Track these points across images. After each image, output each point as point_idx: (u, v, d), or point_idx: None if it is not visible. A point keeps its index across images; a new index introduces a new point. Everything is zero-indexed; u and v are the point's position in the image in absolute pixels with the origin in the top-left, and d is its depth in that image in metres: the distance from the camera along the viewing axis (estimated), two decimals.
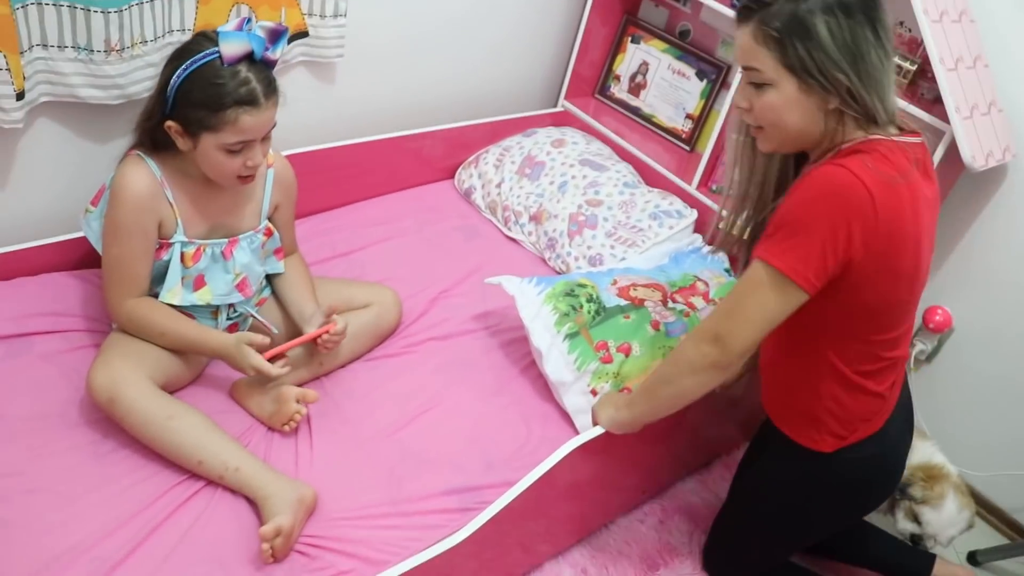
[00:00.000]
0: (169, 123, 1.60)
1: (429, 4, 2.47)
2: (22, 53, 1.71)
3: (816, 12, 1.34)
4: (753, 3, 1.39)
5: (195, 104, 1.57)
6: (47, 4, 1.71)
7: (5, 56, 1.65)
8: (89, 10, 1.74)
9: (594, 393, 1.88)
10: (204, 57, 1.57)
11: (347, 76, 2.38)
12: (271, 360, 1.68)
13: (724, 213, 1.77)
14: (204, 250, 1.75)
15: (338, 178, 2.41)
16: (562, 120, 2.94)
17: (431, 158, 2.66)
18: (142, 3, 1.81)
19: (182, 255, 1.72)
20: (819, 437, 1.66)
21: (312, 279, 1.94)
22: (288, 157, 2.13)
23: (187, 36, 1.92)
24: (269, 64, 1.63)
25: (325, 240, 2.28)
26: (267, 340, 1.68)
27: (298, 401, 1.70)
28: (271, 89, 1.62)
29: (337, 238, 2.31)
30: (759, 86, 1.43)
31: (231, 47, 1.55)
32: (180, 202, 1.70)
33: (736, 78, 2.41)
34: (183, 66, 1.58)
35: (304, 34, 2.18)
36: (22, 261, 1.94)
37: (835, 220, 1.36)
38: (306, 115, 2.35)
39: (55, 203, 2.01)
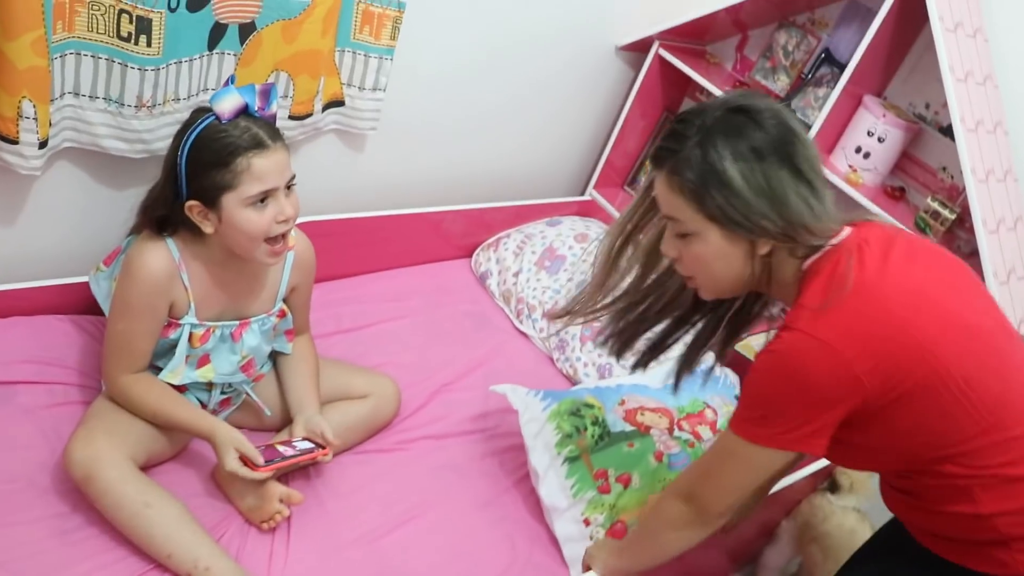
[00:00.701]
0: (190, 203, 1.55)
1: (472, 89, 2.43)
2: (52, 100, 1.66)
3: (726, 158, 1.24)
4: (662, 150, 1.31)
5: (206, 167, 1.52)
6: (86, 55, 1.67)
7: (35, 106, 1.60)
8: (127, 65, 1.69)
9: (587, 523, 1.81)
10: (201, 123, 1.54)
11: (378, 148, 2.34)
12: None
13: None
14: (213, 331, 1.69)
15: (354, 248, 2.36)
16: (588, 210, 2.89)
17: (450, 235, 2.61)
18: (180, 62, 1.77)
19: (190, 335, 1.66)
20: (1012, 558, 1.29)
21: (318, 368, 1.88)
22: (307, 224, 2.10)
23: None
24: (267, 119, 1.60)
25: (331, 312, 2.22)
26: (259, 458, 1.60)
27: (282, 501, 1.62)
28: (276, 133, 1.58)
29: (344, 311, 2.25)
30: (683, 236, 1.32)
31: (224, 103, 1.53)
32: (195, 284, 1.65)
33: None
34: (184, 141, 1.54)
35: (340, 103, 2.14)
36: (21, 300, 1.88)
37: (810, 401, 1.24)
38: (332, 182, 2.31)
39: (61, 245, 1.96)
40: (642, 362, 1.72)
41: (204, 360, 1.70)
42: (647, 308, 1.63)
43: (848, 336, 1.21)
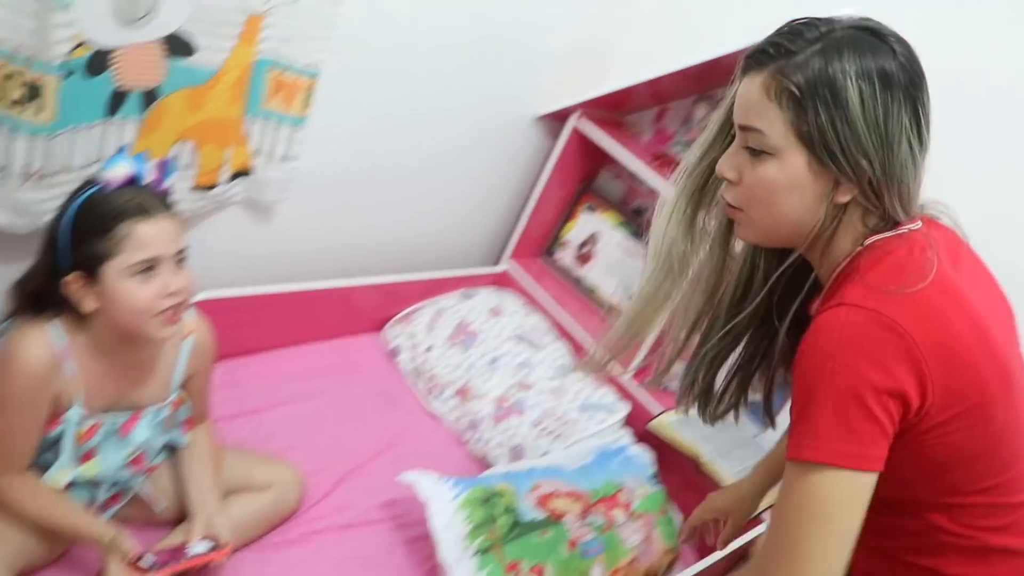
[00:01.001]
0: (68, 277, 1.43)
1: (387, 157, 2.37)
2: None
3: (849, 74, 1.04)
4: (772, 47, 1.09)
5: (87, 235, 1.41)
6: None
7: None
8: (16, 132, 1.58)
9: None
10: (86, 192, 1.44)
11: (287, 219, 2.25)
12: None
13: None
14: (100, 426, 1.56)
15: (260, 323, 2.25)
16: (503, 281, 2.84)
17: (360, 309, 2.52)
18: (76, 129, 1.66)
19: (75, 431, 1.53)
20: None
21: (216, 460, 1.76)
22: (211, 300, 1.99)
23: None
24: (159, 192, 1.50)
25: (234, 393, 2.10)
26: (150, 559, 1.48)
27: None
28: (164, 204, 1.48)
29: (247, 391, 2.14)
30: (757, 153, 1.11)
31: (112, 172, 1.44)
32: (82, 375, 1.51)
33: None
34: (66, 211, 1.44)
35: (248, 173, 2.05)
36: None
37: (862, 373, 1.01)
38: (238, 255, 2.21)
39: None
40: (735, 407, 1.43)
41: (89, 455, 1.56)
42: (729, 321, 1.31)
43: (924, 330, 1.03)
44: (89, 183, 1.46)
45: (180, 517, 1.71)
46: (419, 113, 2.36)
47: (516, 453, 2.22)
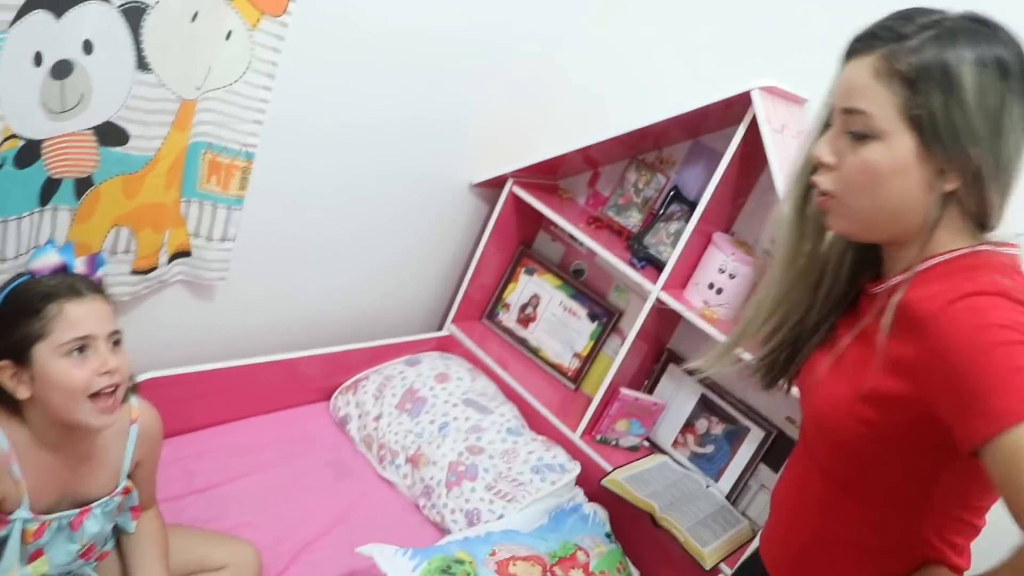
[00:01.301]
0: (0, 364, 1.40)
1: (325, 230, 2.39)
2: None
3: (966, 61, 1.01)
4: (883, 30, 1.07)
5: (16, 319, 1.39)
6: None
7: None
8: None
9: None
10: (15, 281, 1.43)
11: (227, 296, 2.24)
12: None
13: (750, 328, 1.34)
14: (49, 525, 1.51)
15: (205, 399, 2.22)
16: (447, 345, 2.85)
17: (306, 379, 2.51)
18: (7, 220, 1.65)
19: (23, 532, 1.48)
20: None
21: (166, 547, 1.72)
22: (153, 380, 1.97)
23: None
24: (91, 278, 1.50)
25: (183, 470, 2.07)
26: None
27: None
28: (96, 287, 1.48)
29: (196, 469, 2.11)
30: (859, 137, 1.08)
31: (41, 262, 1.44)
32: (28, 473, 1.46)
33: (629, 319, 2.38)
34: None
35: (187, 254, 2.04)
36: None
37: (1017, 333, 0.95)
38: (179, 335, 2.19)
39: None
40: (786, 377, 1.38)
41: (37, 553, 1.52)
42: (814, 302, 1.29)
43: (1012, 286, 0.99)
44: (18, 275, 1.45)
45: None
46: (356, 187, 2.39)
47: (472, 518, 2.21)
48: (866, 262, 1.24)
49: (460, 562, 1.90)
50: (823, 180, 1.14)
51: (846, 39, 1.12)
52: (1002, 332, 0.94)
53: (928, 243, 1.09)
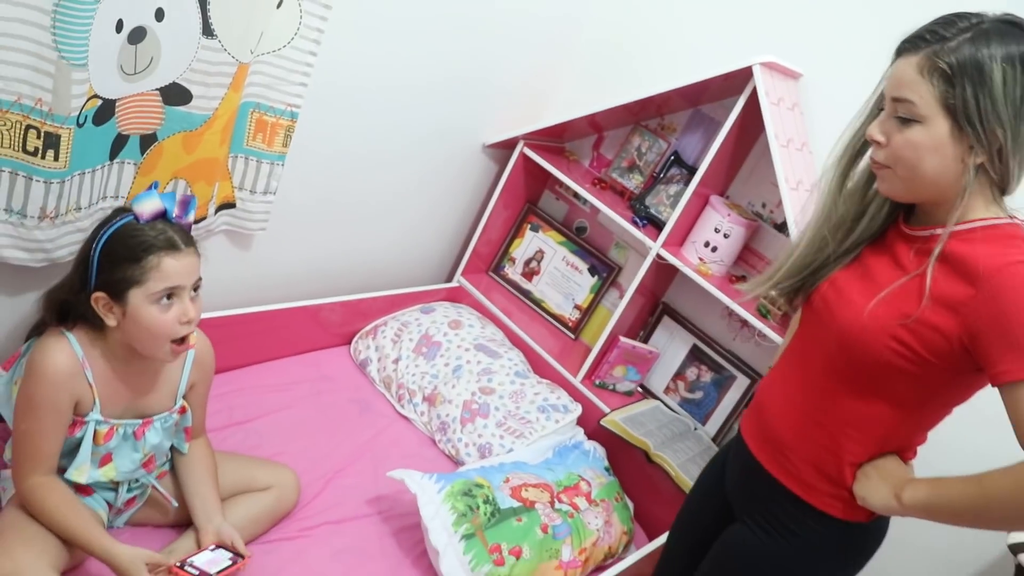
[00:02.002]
0: (97, 295, 1.62)
1: (351, 187, 2.58)
2: None
3: (996, 59, 1.25)
4: (929, 34, 1.31)
5: (118, 262, 1.60)
6: None
7: None
8: (31, 178, 1.74)
9: None
10: (121, 220, 1.63)
11: (264, 245, 2.43)
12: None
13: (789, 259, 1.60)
14: (117, 430, 1.74)
15: (239, 341, 2.42)
16: (456, 295, 3.06)
17: (329, 324, 2.72)
18: (84, 173, 1.83)
19: (95, 433, 1.70)
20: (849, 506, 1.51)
21: (216, 470, 1.93)
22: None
23: (119, 202, 1.95)
24: (183, 226, 1.70)
25: (223, 405, 2.28)
26: (168, 562, 1.65)
27: None
28: (190, 240, 1.68)
29: (235, 404, 2.32)
30: (905, 121, 1.33)
31: (145, 206, 1.63)
32: (99, 381, 1.69)
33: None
34: (102, 233, 1.63)
35: (232, 205, 2.23)
36: None
37: None
38: (219, 279, 2.38)
39: None
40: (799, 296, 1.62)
41: (106, 459, 1.74)
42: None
43: None
44: (122, 211, 1.66)
45: (189, 521, 1.88)
46: (384, 148, 2.58)
47: (484, 451, 2.44)
48: (901, 207, 1.50)
49: (479, 486, 2.12)
50: (877, 154, 1.40)
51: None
52: None
53: (965, 206, 1.33)
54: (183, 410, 1.88)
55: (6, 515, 1.67)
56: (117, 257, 1.60)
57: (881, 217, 1.51)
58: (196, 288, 1.70)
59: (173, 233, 1.64)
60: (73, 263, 1.68)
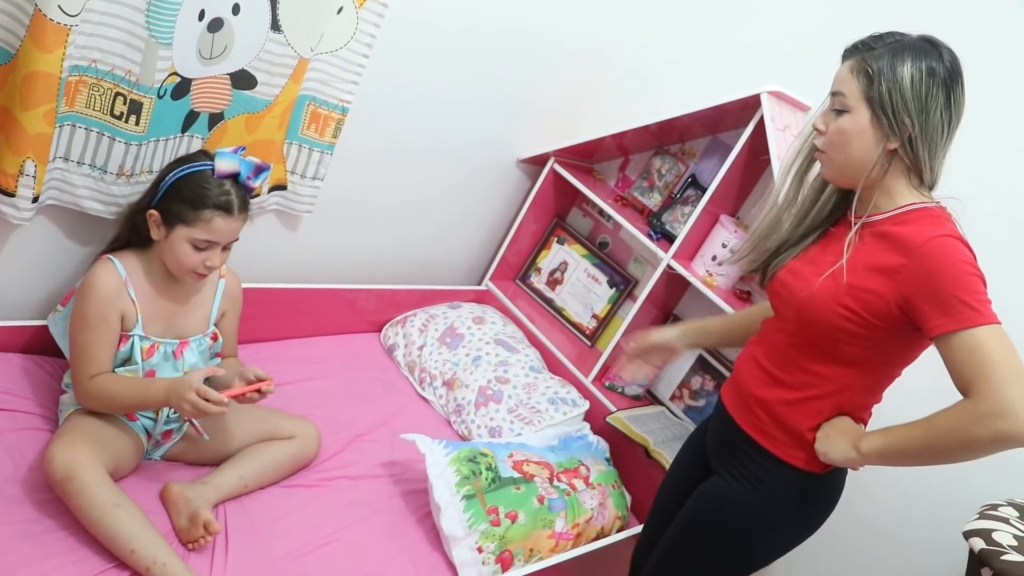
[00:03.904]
0: (151, 211, 1.92)
1: (393, 186, 2.83)
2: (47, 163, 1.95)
3: (907, 64, 1.52)
4: (861, 44, 1.60)
5: (181, 199, 1.89)
6: (80, 127, 1.96)
7: (36, 165, 1.88)
8: (115, 139, 1.99)
9: (480, 551, 2.12)
10: (200, 165, 1.92)
11: (309, 228, 2.68)
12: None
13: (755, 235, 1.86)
14: (157, 348, 1.98)
15: (279, 315, 2.66)
16: (484, 298, 3.28)
17: (363, 311, 2.95)
18: (159, 140, 2.09)
19: (140, 349, 1.95)
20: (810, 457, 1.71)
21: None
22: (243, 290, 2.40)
23: None
24: (248, 190, 1.97)
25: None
26: (212, 393, 1.84)
27: (206, 528, 1.86)
28: (244, 206, 1.96)
29: (268, 369, 2.46)
30: (839, 112, 1.60)
31: (223, 164, 1.91)
32: (141, 300, 1.95)
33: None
34: (181, 168, 1.92)
35: (283, 187, 2.48)
36: None
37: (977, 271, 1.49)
38: (266, 255, 2.63)
39: (24, 291, 2.20)
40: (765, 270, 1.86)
41: (150, 375, 1.98)
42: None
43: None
44: (204, 155, 1.95)
45: (223, 458, 2.10)
46: (423, 151, 2.83)
47: (494, 433, 2.64)
48: (846, 203, 1.73)
49: (484, 455, 2.32)
50: (817, 140, 1.67)
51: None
52: (968, 266, 1.48)
53: (891, 193, 1.61)
54: (215, 337, 2.13)
55: (68, 421, 1.91)
56: (181, 195, 1.89)
57: (829, 207, 1.76)
58: (228, 247, 1.98)
59: (234, 197, 1.91)
60: (150, 184, 1.99)
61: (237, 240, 1.98)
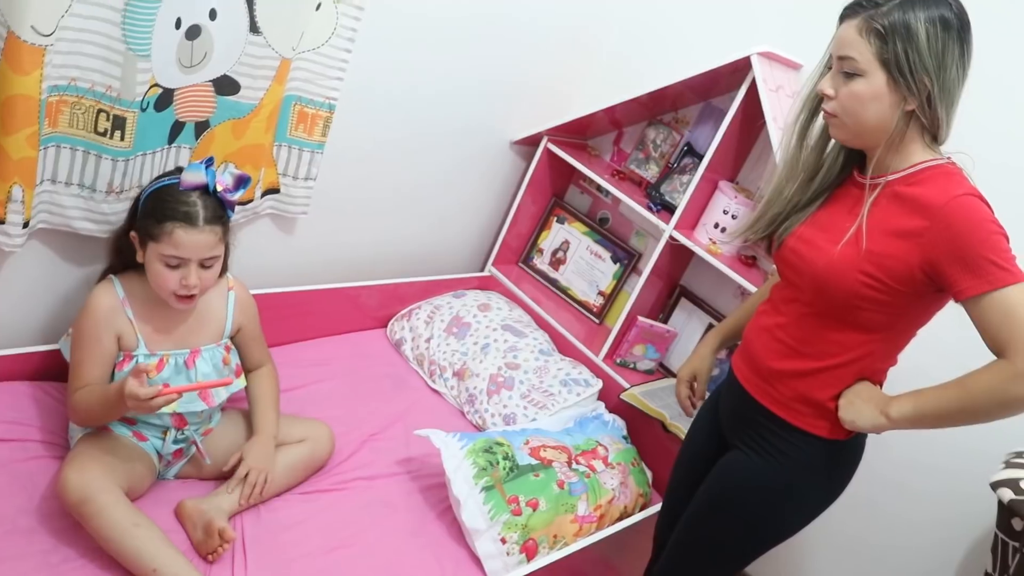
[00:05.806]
0: (132, 232, 1.90)
1: (387, 178, 2.79)
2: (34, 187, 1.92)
3: (920, 20, 1.46)
4: (866, 1, 1.52)
5: (148, 214, 1.87)
6: (65, 147, 1.93)
7: (23, 190, 1.86)
8: (101, 156, 1.97)
9: (503, 541, 2.11)
10: (168, 180, 1.90)
11: (306, 229, 2.65)
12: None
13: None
14: (167, 360, 1.96)
15: (282, 320, 2.63)
16: (488, 284, 3.25)
17: (367, 308, 2.92)
18: (146, 154, 2.06)
19: (146, 364, 1.89)
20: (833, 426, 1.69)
21: (277, 396, 2.18)
22: None
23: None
24: (227, 203, 1.92)
25: None
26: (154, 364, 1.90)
27: (221, 536, 1.85)
28: (214, 218, 1.89)
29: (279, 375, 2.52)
30: (849, 75, 1.53)
31: (188, 176, 1.88)
32: (141, 319, 1.93)
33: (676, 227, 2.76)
34: (151, 185, 1.91)
35: (276, 191, 2.45)
36: None
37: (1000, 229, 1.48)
38: (265, 260, 2.60)
39: (25, 318, 2.17)
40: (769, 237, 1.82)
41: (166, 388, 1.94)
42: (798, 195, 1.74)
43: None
44: (177, 171, 1.92)
45: (224, 477, 2.06)
46: (415, 141, 2.79)
47: (509, 420, 2.62)
48: (852, 162, 1.70)
49: (500, 444, 2.30)
50: (827, 105, 1.60)
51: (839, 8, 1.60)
52: (993, 224, 1.46)
53: (904, 152, 1.56)
54: (228, 348, 2.09)
55: (79, 445, 1.90)
56: (148, 210, 1.87)
57: (837, 168, 1.71)
58: (206, 265, 1.91)
59: (200, 209, 1.86)
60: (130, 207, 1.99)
61: (217, 257, 1.93)
